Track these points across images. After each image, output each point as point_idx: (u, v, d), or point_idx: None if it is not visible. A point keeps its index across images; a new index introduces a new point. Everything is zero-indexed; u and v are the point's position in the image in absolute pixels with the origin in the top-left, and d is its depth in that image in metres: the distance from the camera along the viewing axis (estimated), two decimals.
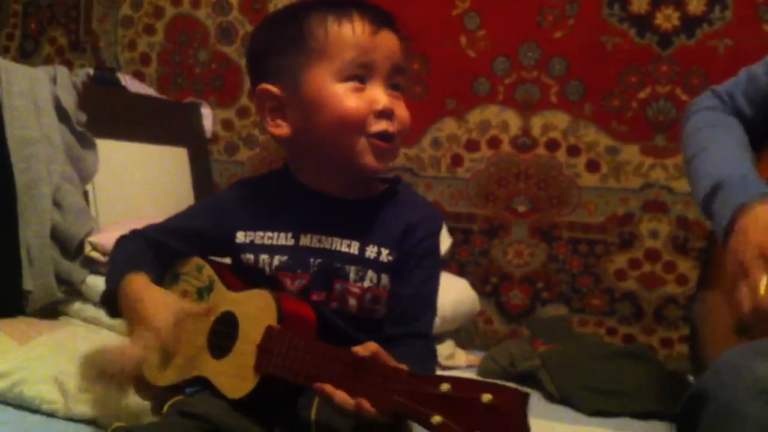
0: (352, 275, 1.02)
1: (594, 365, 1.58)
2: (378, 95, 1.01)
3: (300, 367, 0.88)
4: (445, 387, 0.73)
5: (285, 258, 1.03)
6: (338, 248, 1.03)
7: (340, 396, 0.82)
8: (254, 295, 0.99)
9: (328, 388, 0.82)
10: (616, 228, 2.01)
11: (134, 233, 1.15)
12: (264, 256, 1.04)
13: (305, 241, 1.04)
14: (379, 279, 1.03)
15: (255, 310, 0.96)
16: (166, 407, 0.97)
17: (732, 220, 1.06)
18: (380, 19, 1.03)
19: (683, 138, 1.31)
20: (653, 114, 1.98)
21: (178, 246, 1.12)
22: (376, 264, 1.03)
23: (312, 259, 1.03)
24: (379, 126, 1.00)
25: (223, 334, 1.00)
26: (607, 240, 2.02)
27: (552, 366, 1.56)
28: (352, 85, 1.00)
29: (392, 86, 1.03)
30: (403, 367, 0.81)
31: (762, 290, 0.96)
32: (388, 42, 1.02)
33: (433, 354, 1.07)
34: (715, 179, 1.13)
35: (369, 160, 1.01)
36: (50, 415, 1.17)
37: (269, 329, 0.93)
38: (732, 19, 1.91)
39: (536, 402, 1.50)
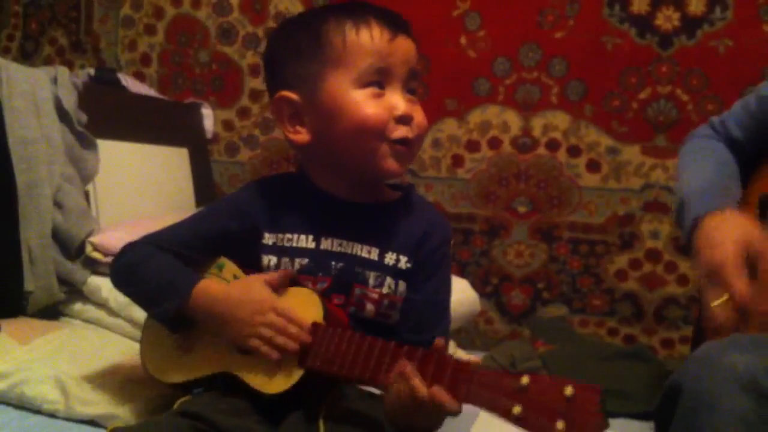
0: (371, 281, 1.03)
1: (594, 366, 1.58)
2: (397, 101, 1.02)
3: (353, 360, 0.89)
4: (524, 380, 0.75)
5: (306, 261, 1.03)
6: (359, 253, 1.04)
7: (418, 380, 0.82)
8: (296, 293, 0.98)
9: (409, 368, 0.83)
10: (616, 228, 2.01)
11: (134, 246, 1.09)
12: (285, 259, 1.04)
13: (326, 244, 1.04)
14: (396, 285, 1.04)
15: (297, 308, 0.96)
16: (176, 406, 0.97)
17: (689, 237, 1.10)
18: (397, 25, 1.04)
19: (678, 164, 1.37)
20: (654, 114, 1.98)
21: (200, 254, 1.08)
22: (394, 270, 1.04)
23: (333, 263, 1.03)
24: (399, 132, 1.01)
25: None
26: (608, 240, 2.02)
27: (553, 366, 1.56)
28: (371, 92, 1.01)
29: (409, 91, 1.04)
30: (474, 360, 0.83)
31: (714, 303, 1.00)
32: (404, 47, 1.04)
33: None
34: (681, 198, 1.19)
35: (391, 164, 1.02)
36: (51, 415, 1.17)
37: (315, 325, 0.93)
38: (732, 19, 1.91)
39: None
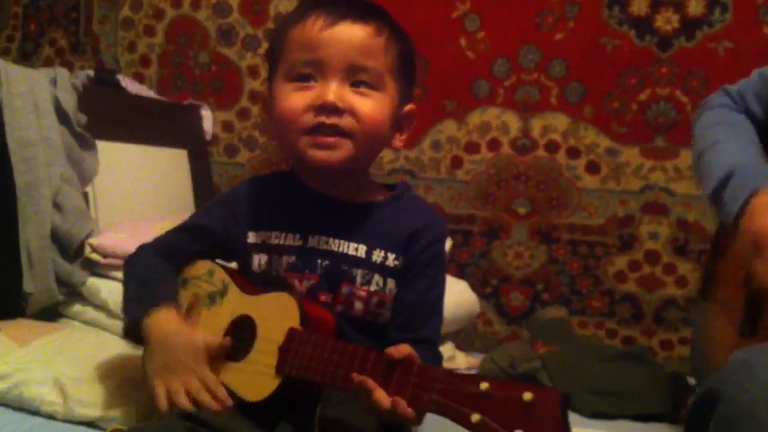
0: (358, 278, 1.03)
1: (594, 367, 1.58)
2: (323, 91, 0.99)
3: (325, 367, 0.88)
4: (484, 386, 0.74)
5: (293, 259, 1.03)
6: (345, 251, 1.03)
7: (380, 393, 0.81)
8: (274, 298, 0.98)
9: (370, 382, 0.82)
10: (615, 230, 2.01)
11: (142, 248, 1.15)
12: (274, 257, 1.04)
13: (313, 242, 1.04)
14: (385, 283, 1.04)
15: (275, 313, 0.96)
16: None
17: (744, 205, 1.06)
18: (341, 12, 1.01)
19: (694, 134, 1.31)
20: (653, 116, 1.98)
21: (190, 246, 1.12)
22: (382, 268, 1.03)
23: (319, 261, 1.03)
24: (314, 120, 0.99)
25: (238, 338, 0.99)
26: (607, 242, 2.02)
27: (552, 368, 1.56)
28: (296, 85, 1.01)
29: (355, 83, 1.01)
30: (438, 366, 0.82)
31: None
32: (345, 35, 1.00)
33: (439, 361, 1.08)
34: (727, 170, 1.13)
35: (312, 154, 1.00)
36: (50, 416, 1.17)
37: (291, 331, 0.93)
38: (732, 21, 1.91)
39: None
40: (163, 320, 1.02)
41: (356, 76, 1.01)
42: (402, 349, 0.83)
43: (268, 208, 1.08)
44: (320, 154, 0.99)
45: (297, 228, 1.05)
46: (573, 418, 1.42)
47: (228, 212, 1.10)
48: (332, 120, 0.99)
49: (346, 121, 0.99)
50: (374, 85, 1.02)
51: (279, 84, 1.03)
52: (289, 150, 1.03)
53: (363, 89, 1.01)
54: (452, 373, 0.78)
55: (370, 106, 1.01)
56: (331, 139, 0.99)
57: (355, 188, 1.08)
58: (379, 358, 0.84)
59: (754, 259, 1.01)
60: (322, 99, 0.98)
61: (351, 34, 1.00)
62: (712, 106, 1.31)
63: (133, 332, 1.06)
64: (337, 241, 1.04)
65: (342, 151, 1.00)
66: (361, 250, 1.04)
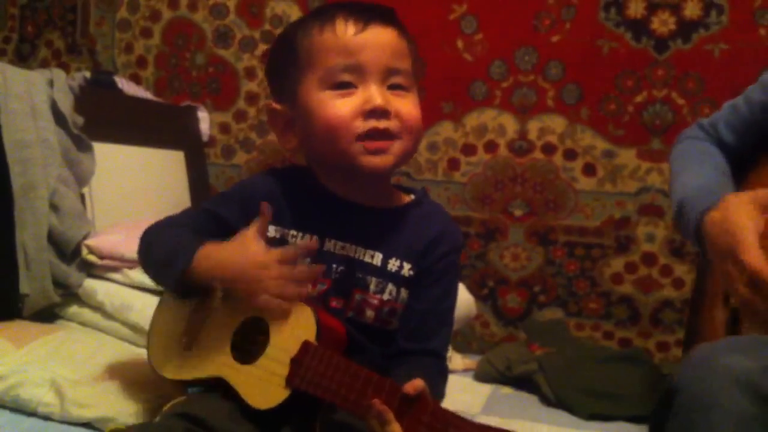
0: (372, 286, 1.01)
1: (590, 369, 1.58)
2: (368, 95, 0.99)
3: (338, 387, 0.87)
4: None
5: (308, 261, 1.01)
6: (361, 258, 1.02)
7: (396, 427, 0.81)
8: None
9: (390, 414, 0.81)
10: (612, 232, 2.02)
11: (158, 222, 1.09)
12: None
13: (329, 246, 1.03)
14: (398, 293, 1.03)
15: (290, 321, 0.95)
16: (166, 407, 0.96)
17: (696, 232, 1.10)
18: (368, 15, 1.01)
19: (670, 166, 1.38)
20: (649, 118, 1.98)
21: (207, 229, 1.06)
22: (397, 277, 1.02)
23: (334, 266, 1.02)
24: (366, 125, 0.98)
25: (250, 339, 0.98)
26: (604, 244, 2.02)
27: (549, 370, 1.56)
28: (339, 92, 0.99)
29: (391, 87, 1.01)
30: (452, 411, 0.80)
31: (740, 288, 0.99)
32: (377, 39, 1.01)
33: (444, 374, 1.06)
34: (679, 199, 1.19)
35: (366, 160, 0.99)
36: (46, 418, 1.16)
37: (306, 344, 0.92)
38: (728, 23, 1.91)
39: (532, 406, 1.50)
40: (207, 252, 0.97)
41: (392, 79, 1.01)
42: (416, 384, 0.82)
43: (287, 204, 1.06)
44: (375, 160, 0.99)
45: (314, 230, 1.03)
46: (570, 420, 1.44)
47: (247, 205, 1.06)
48: (383, 124, 0.99)
49: (393, 124, 0.99)
50: (407, 87, 1.03)
51: (314, 92, 1.00)
52: (337, 157, 1.01)
53: (399, 91, 1.02)
54: (469, 422, 0.78)
55: (409, 106, 1.02)
56: (384, 144, 0.99)
57: (376, 193, 1.07)
58: (393, 389, 0.83)
59: (728, 274, 1.03)
60: (371, 104, 0.98)
61: (384, 37, 1.01)
62: (683, 139, 1.37)
63: (187, 285, 1.00)
64: (353, 247, 1.03)
65: (392, 154, 1.00)
66: (377, 258, 1.02)
